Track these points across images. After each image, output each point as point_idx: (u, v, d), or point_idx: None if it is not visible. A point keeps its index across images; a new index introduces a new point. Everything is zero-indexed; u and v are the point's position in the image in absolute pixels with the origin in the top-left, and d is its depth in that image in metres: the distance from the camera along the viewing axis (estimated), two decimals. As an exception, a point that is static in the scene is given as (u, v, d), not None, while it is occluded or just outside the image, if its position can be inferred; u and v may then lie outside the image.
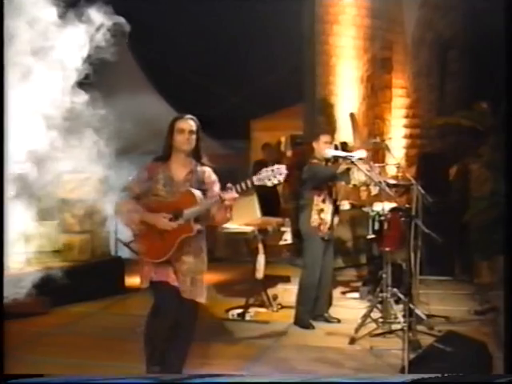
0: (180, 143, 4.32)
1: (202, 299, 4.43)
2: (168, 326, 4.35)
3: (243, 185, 4.12)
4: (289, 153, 13.23)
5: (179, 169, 4.38)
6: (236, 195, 4.11)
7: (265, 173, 4.07)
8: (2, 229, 3.49)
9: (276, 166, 4.10)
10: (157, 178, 4.32)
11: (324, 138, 6.64)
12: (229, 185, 4.16)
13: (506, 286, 4.21)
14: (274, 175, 4.06)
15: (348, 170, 6.50)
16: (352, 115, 10.43)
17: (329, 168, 6.56)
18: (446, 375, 3.98)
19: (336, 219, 6.73)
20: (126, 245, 8.20)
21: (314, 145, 6.66)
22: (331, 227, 6.64)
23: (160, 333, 4.38)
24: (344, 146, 8.86)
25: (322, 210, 6.56)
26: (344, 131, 10.51)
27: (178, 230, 4.21)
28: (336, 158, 6.39)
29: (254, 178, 4.08)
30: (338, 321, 6.79)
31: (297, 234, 7.25)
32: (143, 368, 4.58)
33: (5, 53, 3.15)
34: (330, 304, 6.95)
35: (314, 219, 6.55)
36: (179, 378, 4.12)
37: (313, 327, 6.58)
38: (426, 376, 3.87)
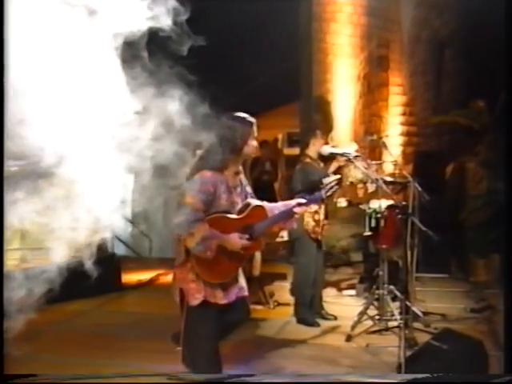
0: (252, 149, 3.99)
1: (245, 293, 4.27)
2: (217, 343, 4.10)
3: (314, 199, 4.14)
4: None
5: (233, 177, 4.00)
6: (307, 209, 4.11)
7: (328, 184, 4.10)
8: (2, 229, 3.45)
9: (332, 177, 4.12)
10: (219, 192, 3.86)
11: (321, 135, 6.63)
12: (301, 199, 4.11)
13: (506, 284, 4.20)
14: (334, 184, 4.10)
15: (339, 168, 6.49)
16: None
17: (321, 170, 6.54)
18: (444, 375, 3.97)
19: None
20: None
21: (313, 141, 6.62)
22: (322, 226, 6.65)
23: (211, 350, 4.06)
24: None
25: (315, 212, 6.54)
26: (340, 129, 10.53)
27: (248, 248, 3.94)
28: (333, 156, 6.38)
29: (323, 192, 4.10)
30: (335, 318, 6.79)
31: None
32: (139, 366, 4.57)
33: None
34: (321, 301, 6.95)
35: (307, 222, 6.52)
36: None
37: (318, 324, 6.58)
38: (423, 375, 3.87)
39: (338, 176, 4.19)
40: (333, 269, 9.28)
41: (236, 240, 3.83)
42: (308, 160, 6.58)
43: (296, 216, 4.10)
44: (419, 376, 3.96)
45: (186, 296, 3.93)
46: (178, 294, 3.99)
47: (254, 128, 3.95)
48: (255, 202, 4.07)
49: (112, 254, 9.04)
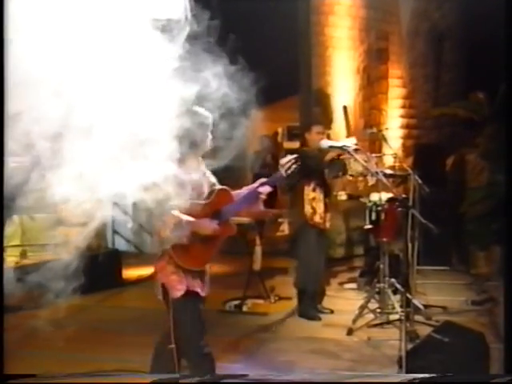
0: (210, 143, 4.08)
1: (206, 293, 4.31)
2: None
3: (275, 179, 4.17)
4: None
5: (195, 168, 4.09)
6: (270, 189, 4.15)
7: (286, 163, 4.13)
8: (2, 226, 3.44)
9: (289, 157, 4.17)
10: (184, 182, 3.85)
11: (316, 128, 6.62)
12: (263, 179, 4.16)
13: (507, 276, 4.18)
14: (292, 163, 4.13)
15: (337, 159, 6.49)
16: (345, 108, 10.43)
17: (316, 156, 6.54)
18: (444, 375, 3.96)
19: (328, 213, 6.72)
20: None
21: (307, 136, 6.64)
22: (324, 217, 6.64)
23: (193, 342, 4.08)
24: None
25: (313, 199, 6.54)
26: (340, 122, 10.51)
27: (220, 233, 4.00)
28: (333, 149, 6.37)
29: (282, 171, 4.13)
30: (331, 311, 6.79)
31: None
32: (140, 360, 4.56)
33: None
34: (323, 295, 6.95)
35: (307, 210, 6.53)
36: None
37: (319, 318, 6.58)
38: (423, 376, 3.85)
39: (295, 155, 4.22)
40: (334, 262, 9.26)
41: (207, 224, 3.91)
42: (305, 148, 6.59)
43: (262, 196, 4.13)
44: (421, 375, 3.94)
45: (168, 289, 3.97)
46: (161, 291, 4.05)
47: (211, 122, 4.01)
48: (219, 186, 4.15)
49: (113, 249, 9.06)
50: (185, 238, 3.83)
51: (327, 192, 6.69)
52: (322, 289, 6.92)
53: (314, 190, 6.54)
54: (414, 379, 3.50)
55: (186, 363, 4.12)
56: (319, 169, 6.55)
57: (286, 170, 4.15)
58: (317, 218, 6.57)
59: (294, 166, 4.16)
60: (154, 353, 4.24)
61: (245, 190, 4.23)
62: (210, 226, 3.92)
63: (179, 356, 4.06)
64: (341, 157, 6.50)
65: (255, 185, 4.17)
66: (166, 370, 4.12)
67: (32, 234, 7.74)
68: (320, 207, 6.58)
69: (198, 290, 4.01)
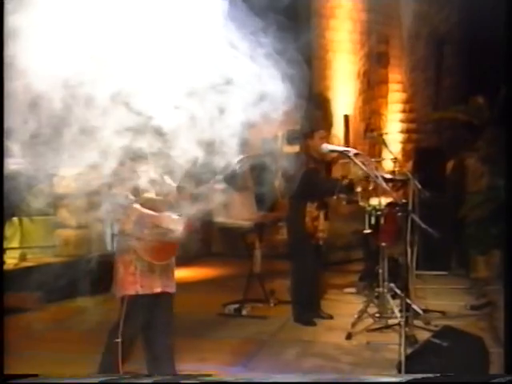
0: None
1: (174, 289, 4.37)
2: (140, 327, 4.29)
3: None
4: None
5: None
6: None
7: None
8: (2, 226, 3.44)
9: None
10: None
11: (319, 134, 6.59)
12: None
13: (506, 281, 4.18)
14: None
15: (352, 184, 6.46)
16: (346, 117, 10.41)
17: (330, 182, 6.50)
18: (444, 375, 3.96)
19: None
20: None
21: (309, 142, 6.61)
22: (323, 231, 6.66)
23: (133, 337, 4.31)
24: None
25: (316, 218, 6.55)
26: (340, 125, 10.51)
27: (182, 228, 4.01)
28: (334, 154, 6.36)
29: None
30: (331, 316, 6.78)
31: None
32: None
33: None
34: (320, 300, 6.94)
35: (308, 226, 6.52)
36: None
37: (314, 324, 6.56)
38: (424, 376, 3.85)
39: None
40: (333, 266, 9.24)
41: (168, 218, 3.93)
42: (313, 166, 6.55)
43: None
44: (420, 375, 3.94)
45: (121, 287, 4.18)
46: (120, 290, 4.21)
47: None
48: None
49: (112, 252, 9.03)
50: (146, 230, 3.87)
51: (328, 209, 6.72)
52: (318, 294, 6.92)
53: (317, 208, 6.55)
54: (414, 379, 3.50)
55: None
56: (331, 195, 6.50)
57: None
58: (318, 235, 6.58)
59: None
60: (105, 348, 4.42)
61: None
62: (171, 220, 3.94)
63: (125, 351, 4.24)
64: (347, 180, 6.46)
65: None
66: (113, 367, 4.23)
67: (31, 236, 7.72)
68: (321, 224, 6.59)
69: (152, 290, 4.10)
